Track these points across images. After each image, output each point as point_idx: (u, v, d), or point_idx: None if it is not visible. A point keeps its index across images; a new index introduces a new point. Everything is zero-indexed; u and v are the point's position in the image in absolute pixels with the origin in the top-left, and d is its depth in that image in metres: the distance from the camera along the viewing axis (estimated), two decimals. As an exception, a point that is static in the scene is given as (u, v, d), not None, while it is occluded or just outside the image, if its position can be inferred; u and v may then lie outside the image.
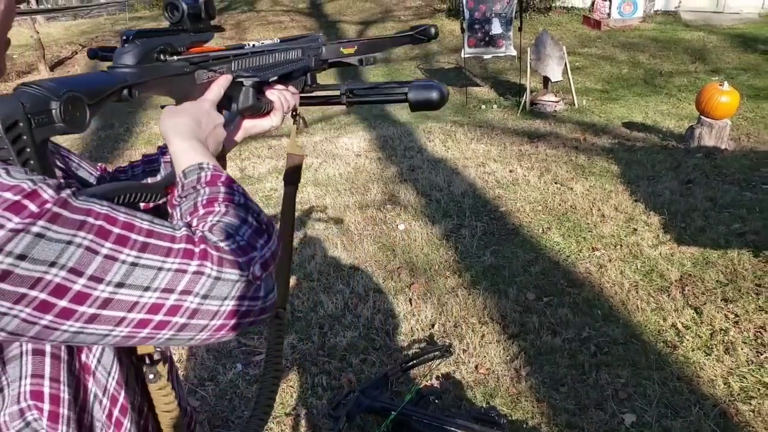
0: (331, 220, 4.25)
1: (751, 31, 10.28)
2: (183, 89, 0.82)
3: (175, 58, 0.79)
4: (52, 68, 10.70)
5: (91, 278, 0.56)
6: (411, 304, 3.21)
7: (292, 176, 1.13)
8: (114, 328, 0.59)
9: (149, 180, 0.99)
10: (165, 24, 0.84)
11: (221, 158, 0.92)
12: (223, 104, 0.88)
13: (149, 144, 6.60)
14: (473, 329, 2.97)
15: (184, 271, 0.61)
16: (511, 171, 5.00)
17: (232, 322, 0.66)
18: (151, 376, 0.84)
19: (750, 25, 10.72)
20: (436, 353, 2.70)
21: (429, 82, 1.01)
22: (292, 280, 3.49)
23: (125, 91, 0.71)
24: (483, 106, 7.58)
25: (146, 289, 0.59)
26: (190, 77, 0.82)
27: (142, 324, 0.60)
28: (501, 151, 5.55)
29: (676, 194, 4.33)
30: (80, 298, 0.56)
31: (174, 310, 0.61)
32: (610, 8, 11.35)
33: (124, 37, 0.75)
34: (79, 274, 0.55)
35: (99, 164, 0.99)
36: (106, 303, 0.57)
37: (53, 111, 0.61)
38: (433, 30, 1.08)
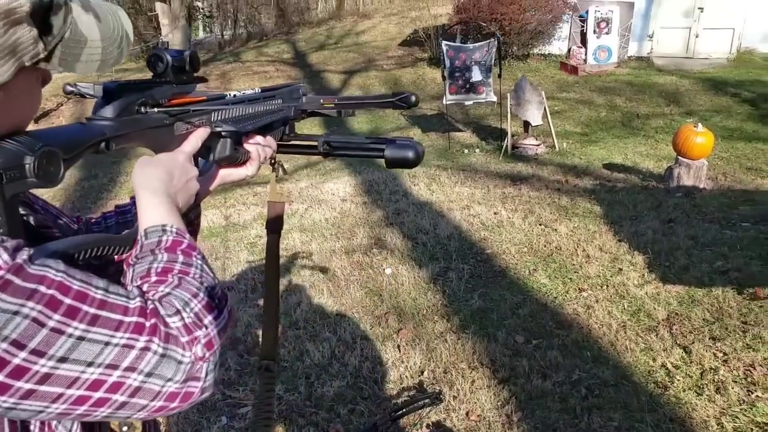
0: (317, 266, 4.23)
1: (720, 75, 10.65)
2: (161, 141, 0.82)
3: (155, 109, 0.79)
4: (37, 120, 10.72)
5: (33, 352, 0.53)
6: (399, 351, 3.17)
7: (274, 224, 1.12)
8: (49, 404, 0.56)
9: (124, 231, 0.98)
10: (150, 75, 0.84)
11: (196, 206, 0.92)
12: (201, 153, 0.89)
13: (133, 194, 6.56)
14: (463, 375, 2.93)
15: (132, 347, 0.59)
16: (495, 213, 5.04)
17: (172, 404, 0.63)
18: (125, 428, 0.81)
19: (719, 69, 11.11)
20: (426, 401, 2.64)
21: (406, 141, 1.02)
22: (279, 328, 3.43)
23: (102, 144, 0.71)
24: (466, 151, 7.69)
25: (90, 364, 0.57)
26: (169, 129, 0.82)
27: (80, 401, 0.58)
28: (485, 194, 5.60)
29: (658, 233, 4.38)
30: (18, 372, 0.53)
31: (115, 388, 0.59)
32: (586, 54, 11.72)
33: (105, 89, 0.75)
34: (21, 347, 0.53)
35: (76, 215, 0.98)
36: (44, 378, 0.55)
37: (26, 166, 0.60)
38: (413, 98, 1.09)
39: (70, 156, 0.66)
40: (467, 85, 7.82)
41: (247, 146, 0.97)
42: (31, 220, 0.79)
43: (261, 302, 3.72)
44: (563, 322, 3.34)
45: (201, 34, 24.24)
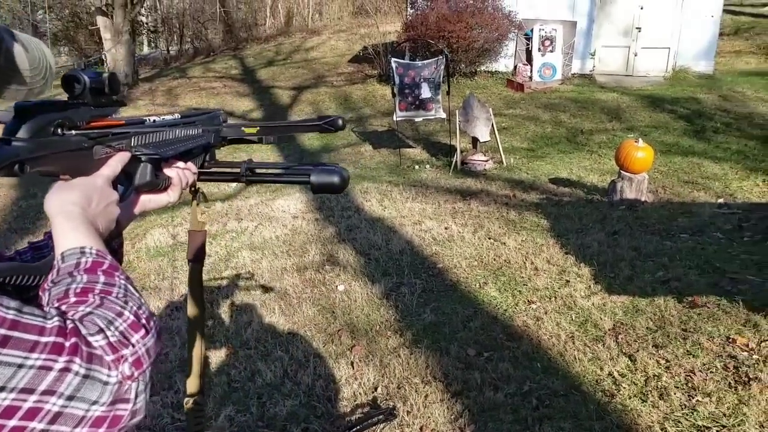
0: (268, 285, 4.17)
1: (658, 92, 11.15)
2: (80, 165, 0.79)
3: (73, 132, 0.76)
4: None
5: None
6: (353, 368, 3.15)
7: (197, 254, 1.09)
8: None
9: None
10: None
11: (118, 234, 0.89)
12: (120, 179, 0.87)
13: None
14: (416, 389, 2.93)
15: (49, 368, 0.55)
16: (446, 228, 5.10)
17: (99, 430, 0.59)
18: None
19: (657, 86, 11.63)
20: (380, 417, 2.64)
21: (331, 167, 1.02)
22: (229, 348, 3.36)
23: (16, 167, 0.68)
24: (416, 167, 7.77)
25: (1, 389, 0.53)
26: (88, 152, 0.79)
27: None
28: (436, 209, 5.66)
29: (603, 245, 4.52)
30: None
31: (32, 414, 0.55)
32: (531, 72, 12.07)
33: (19, 109, 0.71)
34: None
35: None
36: None
37: None
38: (340, 121, 1.09)
39: None
40: (417, 102, 7.92)
41: (167, 171, 0.95)
42: None
43: (212, 320, 3.63)
44: (513, 334, 3.39)
45: (146, 50, 23.78)
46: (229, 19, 22.24)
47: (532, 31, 12.06)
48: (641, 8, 12.23)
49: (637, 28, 12.38)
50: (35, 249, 0.95)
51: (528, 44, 12.18)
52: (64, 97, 0.79)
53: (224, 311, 3.81)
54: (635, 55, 12.58)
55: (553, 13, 12.18)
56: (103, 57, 14.13)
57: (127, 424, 0.62)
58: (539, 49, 12.01)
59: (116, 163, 0.83)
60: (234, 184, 6.85)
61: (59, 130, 0.74)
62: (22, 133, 0.70)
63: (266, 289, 4.11)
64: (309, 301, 3.90)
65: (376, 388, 2.98)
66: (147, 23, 22.65)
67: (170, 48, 21.73)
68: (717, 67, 12.49)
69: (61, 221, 0.72)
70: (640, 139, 5.60)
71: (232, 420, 2.76)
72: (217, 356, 3.29)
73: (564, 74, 12.25)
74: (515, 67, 12.39)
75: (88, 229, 0.73)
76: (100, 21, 13.96)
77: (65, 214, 0.73)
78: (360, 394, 2.94)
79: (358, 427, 2.58)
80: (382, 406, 2.81)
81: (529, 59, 12.16)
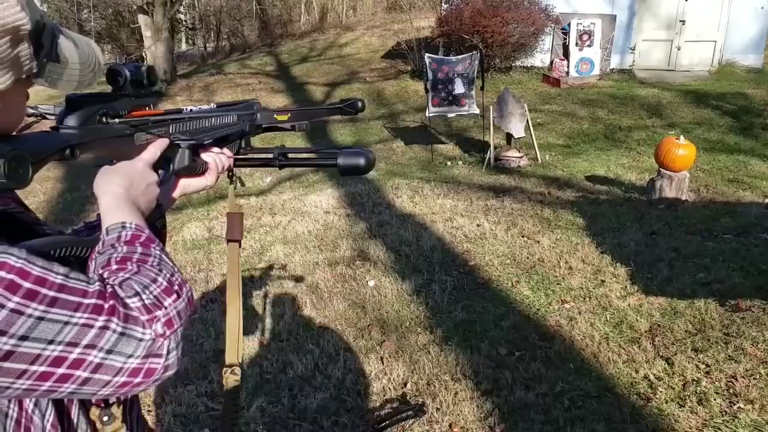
0: (300, 279, 4.19)
1: (702, 87, 10.82)
2: (122, 150, 0.86)
3: (116, 120, 0.83)
4: (20, 131, 10.59)
5: None
6: (382, 363, 3.14)
7: (234, 234, 1.17)
8: (15, 380, 0.61)
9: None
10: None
11: (161, 215, 0.96)
12: (161, 165, 0.93)
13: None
14: (446, 387, 2.90)
15: (91, 326, 0.63)
16: (478, 225, 5.05)
17: (136, 379, 0.68)
18: (105, 418, 0.84)
19: (701, 82, 11.29)
20: (409, 413, 2.62)
21: (358, 149, 1.08)
22: (262, 340, 3.39)
23: (67, 151, 0.75)
24: (449, 163, 7.71)
25: (50, 342, 0.61)
26: (130, 139, 0.87)
27: (44, 377, 0.62)
28: (468, 206, 5.61)
29: (641, 245, 4.41)
30: None
31: (77, 364, 0.63)
32: (568, 67, 11.85)
33: (69, 100, 0.79)
34: None
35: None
36: (7, 355, 0.59)
37: None
38: (360, 104, 1.18)
39: (37, 160, 0.70)
40: (450, 98, 7.86)
41: (204, 157, 1.01)
42: (24, 218, 0.84)
43: (245, 311, 3.67)
44: (546, 334, 3.33)
45: (184, 47, 24.20)
46: (264, 15, 22.45)
47: (569, 25, 11.83)
48: (686, 0, 11.87)
49: (680, 20, 12.02)
50: (90, 228, 1.03)
51: (565, 39, 11.96)
52: (109, 89, 0.87)
53: (257, 304, 3.84)
54: (678, 49, 12.23)
55: (592, 7, 11.92)
56: (144, 54, 14.42)
57: (161, 376, 0.70)
58: (577, 44, 11.79)
59: (155, 148, 0.91)
60: (268, 180, 6.93)
61: (104, 119, 0.82)
62: (71, 122, 0.77)
63: (298, 282, 4.13)
64: (340, 295, 3.90)
65: (405, 384, 2.96)
66: (185, 21, 23.05)
67: (207, 45, 22.09)
68: (766, 61, 12.05)
69: (106, 199, 0.81)
70: (681, 136, 5.44)
71: (264, 411, 2.78)
72: (249, 348, 3.33)
73: (602, 69, 11.99)
74: (551, 62, 12.19)
75: (130, 206, 0.81)
76: (141, 19, 14.25)
77: (111, 194, 0.81)
78: (389, 389, 2.93)
79: (388, 422, 2.58)
80: (411, 402, 2.80)
81: (566, 54, 11.95)
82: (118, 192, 0.82)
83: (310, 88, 13.33)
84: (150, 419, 2.77)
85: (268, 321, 3.61)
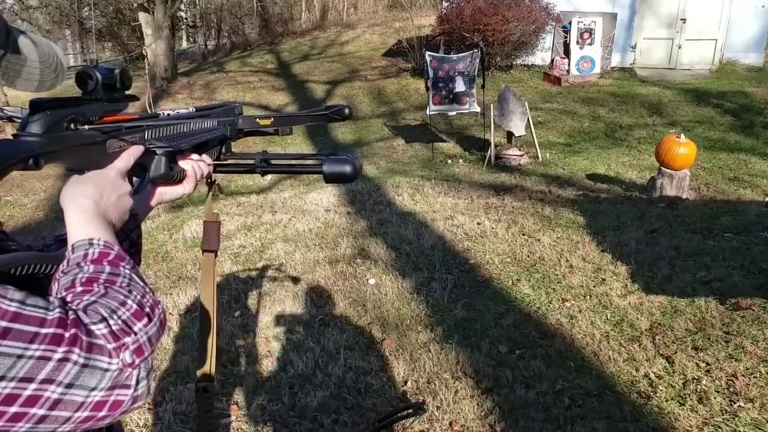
0: (301, 277, 4.19)
1: (703, 86, 10.81)
2: (93, 158, 0.81)
3: (86, 127, 0.77)
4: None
5: None
6: (383, 361, 3.14)
7: (210, 243, 1.12)
8: None
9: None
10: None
11: (137, 226, 0.91)
12: (136, 172, 0.89)
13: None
14: (447, 385, 2.90)
15: (48, 359, 0.58)
16: (479, 223, 5.04)
17: (100, 413, 0.62)
18: None
19: (702, 80, 11.28)
20: (410, 411, 2.62)
21: (343, 156, 1.03)
22: (262, 338, 3.39)
23: (30, 161, 0.69)
24: (449, 161, 7.71)
25: (1, 378, 0.55)
26: (101, 146, 0.81)
27: None
28: (468, 204, 5.60)
29: (641, 244, 4.41)
30: None
31: (32, 401, 0.58)
32: (569, 65, 11.84)
33: (33, 105, 0.73)
34: None
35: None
36: None
37: None
38: (346, 110, 1.12)
39: None
40: (451, 96, 7.86)
41: (182, 164, 0.96)
42: None
43: (246, 310, 3.67)
44: (547, 332, 3.33)
45: (184, 44, 24.19)
46: (265, 13, 22.44)
47: (570, 23, 11.82)
48: (686, -1, 11.86)
49: (681, 19, 12.01)
50: (59, 242, 0.97)
51: (566, 37, 11.95)
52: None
53: (257, 302, 3.84)
54: (679, 48, 12.22)
55: (593, 5, 11.91)
56: (144, 52, 14.42)
57: (129, 408, 0.65)
58: (577, 42, 11.78)
59: (129, 156, 0.85)
60: (268, 178, 6.92)
61: (72, 125, 0.76)
62: (35, 129, 0.71)
63: (298, 280, 4.13)
64: (340, 293, 3.90)
65: (405, 382, 2.96)
66: (186, 18, 23.03)
67: (208, 43, 22.07)
68: (767, 59, 12.03)
69: (73, 213, 0.75)
70: (682, 135, 5.44)
71: (264, 409, 2.78)
72: (250, 346, 3.33)
73: (603, 68, 11.98)
74: (552, 60, 12.18)
75: (99, 220, 0.75)
76: (142, 17, 14.25)
77: (77, 207, 0.75)
78: (390, 387, 2.93)
79: (388, 420, 2.58)
80: (411, 400, 2.80)
81: (567, 52, 11.94)
82: (87, 204, 0.75)
83: (311, 86, 13.32)
84: (150, 417, 2.77)
85: (268, 319, 3.61)
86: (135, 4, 15.12)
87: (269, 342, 3.36)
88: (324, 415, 2.73)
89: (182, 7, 20.03)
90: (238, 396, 2.89)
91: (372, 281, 4.07)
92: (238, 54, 18.91)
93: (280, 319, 3.59)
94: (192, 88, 13.88)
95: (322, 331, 3.45)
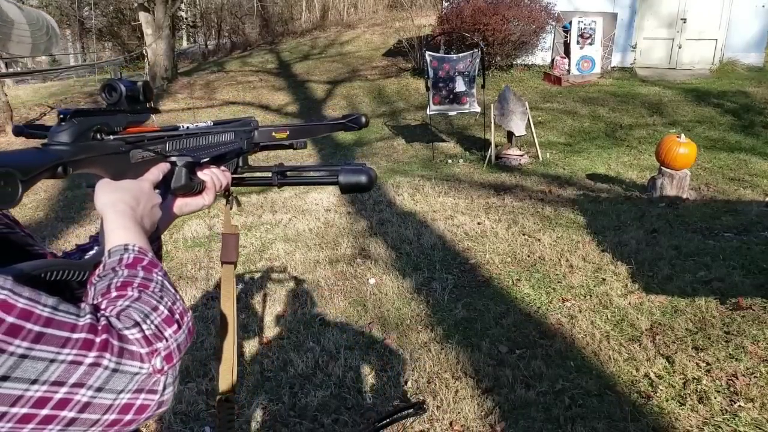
0: (301, 276, 4.19)
1: (703, 85, 10.80)
2: (117, 167, 0.83)
3: (111, 137, 0.80)
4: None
5: None
6: (383, 361, 3.14)
7: (229, 255, 1.13)
8: None
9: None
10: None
11: (157, 237, 0.94)
12: (157, 184, 0.91)
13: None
14: (447, 385, 2.90)
15: (80, 363, 0.59)
16: (479, 223, 5.04)
17: (127, 417, 0.64)
18: None
19: (702, 80, 11.27)
20: (410, 411, 2.62)
21: (359, 166, 1.04)
22: (262, 338, 3.40)
23: (60, 169, 0.71)
24: (449, 161, 7.71)
25: (34, 382, 0.57)
26: (125, 156, 0.84)
27: (26, 419, 0.57)
28: (468, 204, 5.60)
29: (642, 243, 4.41)
30: None
31: (63, 404, 0.59)
32: (569, 65, 11.84)
33: (61, 116, 0.76)
34: None
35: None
36: None
37: None
38: (363, 119, 1.13)
39: (28, 178, 0.66)
40: (451, 96, 7.85)
41: (201, 175, 0.98)
42: (14, 238, 0.80)
43: (246, 309, 3.67)
44: (547, 332, 3.33)
45: (185, 44, 24.19)
46: (265, 13, 22.44)
47: (570, 23, 11.82)
48: (687, -1, 11.86)
49: (682, 19, 12.01)
50: (82, 251, 0.99)
51: (566, 37, 11.94)
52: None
53: (258, 302, 3.85)
54: (679, 48, 12.21)
55: (593, 5, 11.91)
56: (144, 52, 14.42)
57: (154, 413, 0.66)
58: (578, 42, 11.77)
59: (158, 170, 0.89)
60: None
61: (98, 135, 0.79)
62: (63, 138, 0.74)
63: (299, 280, 4.13)
64: (340, 293, 3.91)
65: (406, 382, 2.97)
66: (186, 18, 23.04)
67: (208, 42, 22.08)
68: (767, 59, 12.03)
69: (112, 218, 0.78)
70: (682, 134, 5.44)
71: (265, 409, 2.78)
72: (250, 346, 3.33)
73: (603, 67, 11.98)
74: (553, 60, 12.17)
75: (135, 227, 0.78)
76: (142, 17, 14.25)
77: (117, 213, 0.78)
78: (390, 387, 2.93)
79: (388, 420, 2.57)
80: (411, 400, 2.80)
81: (567, 52, 11.93)
82: (126, 211, 0.79)
83: (312, 86, 13.32)
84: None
85: (268, 319, 3.61)
86: (135, 4, 15.13)
87: (269, 342, 3.37)
88: (324, 414, 2.73)
89: (182, 6, 20.04)
90: (239, 396, 2.89)
91: (372, 281, 4.07)
92: (239, 54, 18.91)
93: (280, 319, 3.59)
94: (192, 88, 13.87)
95: (322, 331, 3.45)
